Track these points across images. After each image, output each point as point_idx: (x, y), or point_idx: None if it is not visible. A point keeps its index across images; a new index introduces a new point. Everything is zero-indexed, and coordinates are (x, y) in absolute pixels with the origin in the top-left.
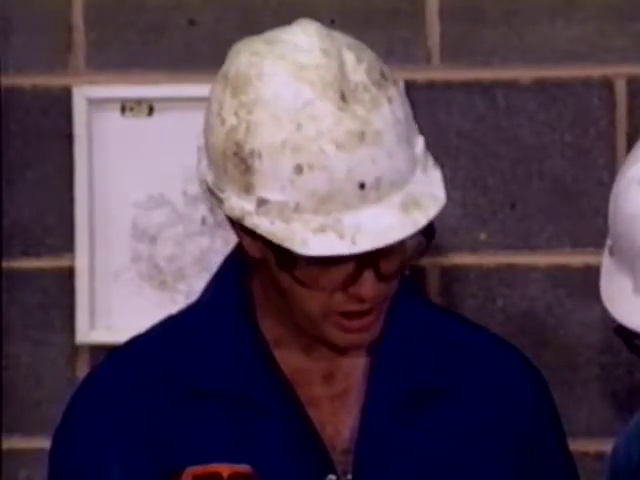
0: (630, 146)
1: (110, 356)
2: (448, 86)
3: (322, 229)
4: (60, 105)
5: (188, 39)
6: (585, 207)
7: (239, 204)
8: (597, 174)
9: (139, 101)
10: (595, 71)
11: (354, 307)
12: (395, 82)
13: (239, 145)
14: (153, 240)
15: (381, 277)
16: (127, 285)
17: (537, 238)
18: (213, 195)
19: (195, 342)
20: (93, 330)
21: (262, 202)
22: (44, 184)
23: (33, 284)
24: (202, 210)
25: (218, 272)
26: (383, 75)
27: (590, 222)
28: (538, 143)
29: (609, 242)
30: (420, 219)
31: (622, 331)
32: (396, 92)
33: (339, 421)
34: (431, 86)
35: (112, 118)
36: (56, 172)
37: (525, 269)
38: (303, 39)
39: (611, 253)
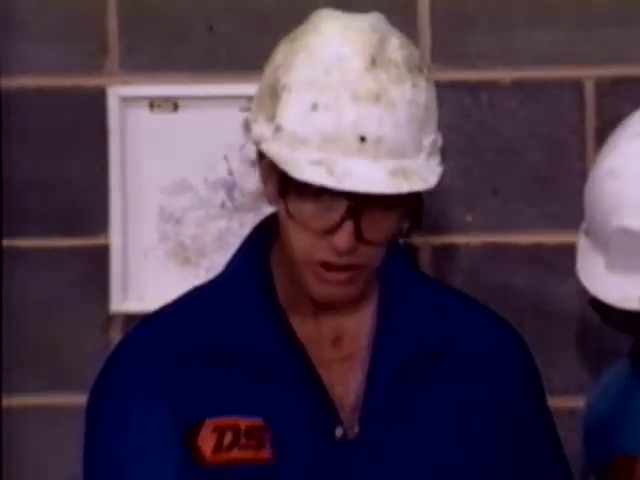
0: (598, 139)
1: (141, 323)
2: (438, 86)
3: (318, 163)
4: (96, 103)
5: (208, 44)
6: (558, 192)
7: (261, 129)
8: (569, 164)
9: (165, 99)
10: (567, 73)
11: (332, 259)
12: (428, 79)
13: (277, 79)
14: (178, 222)
15: (359, 235)
16: (155, 261)
17: (516, 220)
18: (247, 128)
19: (218, 309)
20: (125, 300)
21: (278, 128)
22: (83, 173)
23: (73, 260)
24: (221, 196)
25: (240, 248)
26: (419, 67)
27: (563, 205)
28: (517, 136)
29: (584, 225)
30: (403, 186)
31: (596, 303)
32: (424, 84)
33: (347, 381)
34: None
35: (142, 114)
36: (93, 162)
37: (506, 247)
38: (362, 16)
39: (586, 234)
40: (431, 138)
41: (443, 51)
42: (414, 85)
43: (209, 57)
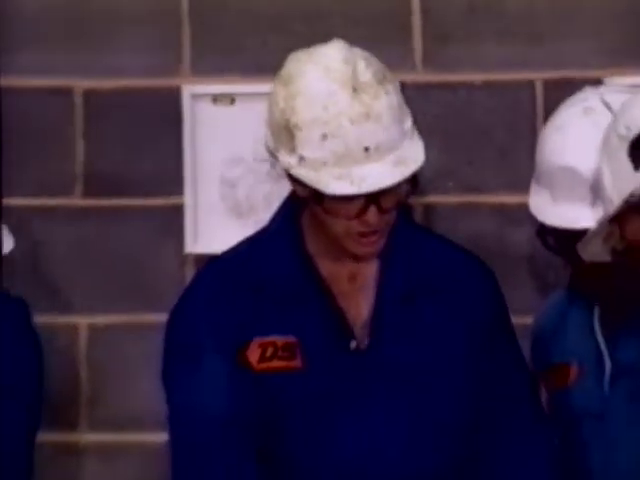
0: (545, 122)
1: (207, 263)
2: (427, 86)
3: (340, 177)
4: (174, 99)
5: (260, 54)
6: (518, 164)
7: (287, 160)
8: (525, 142)
9: (225, 95)
10: (523, 76)
11: (365, 229)
12: (392, 81)
13: (287, 120)
14: (234, 186)
15: (381, 210)
16: (217, 216)
17: (486, 185)
18: (272, 154)
19: (262, 254)
20: (196, 245)
21: (301, 159)
22: (164, 151)
23: (159, 215)
24: (266, 166)
25: (278, 209)
26: (384, 77)
27: (520, 174)
28: (487, 122)
29: (535, 175)
30: (405, 171)
31: (541, 232)
32: (392, 88)
33: (359, 307)
34: (416, 86)
35: (207, 106)
36: (171, 143)
37: (477, 206)
38: (331, 52)
39: (537, 181)
40: (408, 123)
41: (431, 61)
42: (386, 93)
43: (259, 64)
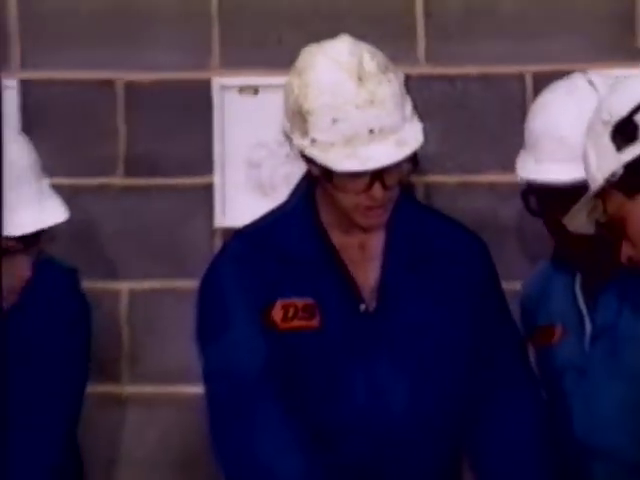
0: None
1: (234, 235)
2: (429, 78)
3: (347, 156)
4: (205, 90)
5: (279, 50)
6: (509, 147)
7: (301, 142)
8: (515, 127)
9: (249, 86)
10: (514, 69)
11: (371, 204)
12: (394, 71)
13: (300, 106)
14: (258, 167)
15: (385, 186)
16: (243, 193)
17: (481, 166)
18: (288, 138)
19: (282, 226)
20: (224, 219)
21: (313, 141)
22: (196, 136)
23: (192, 193)
24: (286, 149)
25: (296, 187)
26: (387, 67)
27: (512, 156)
28: (482, 110)
29: (523, 146)
30: (406, 151)
31: (525, 194)
32: (394, 77)
33: (368, 274)
34: (419, 78)
35: (234, 96)
36: (202, 129)
37: (472, 184)
38: (339, 45)
39: (524, 149)
40: (409, 108)
41: (432, 56)
42: (389, 81)
43: (279, 58)
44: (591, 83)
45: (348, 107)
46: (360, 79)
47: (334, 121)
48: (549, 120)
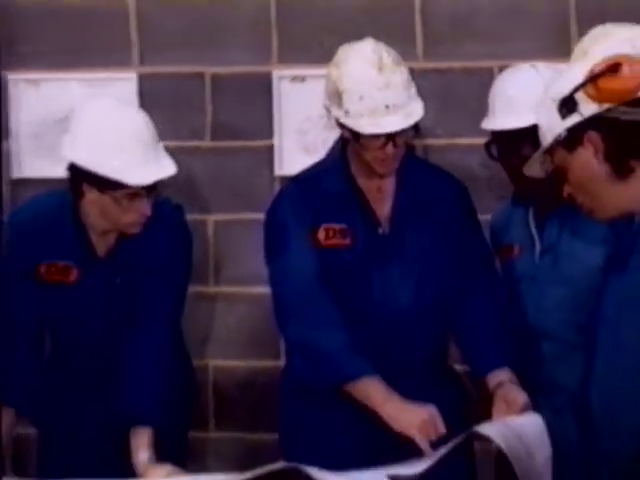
0: None
1: (289, 181)
2: (425, 71)
3: (370, 124)
4: (266, 80)
5: (319, 49)
6: (483, 119)
7: (337, 113)
8: (487, 106)
9: (299, 76)
10: (487, 64)
11: (385, 157)
12: (404, 65)
13: (336, 87)
14: (305, 133)
15: (395, 145)
16: (296, 152)
17: (463, 132)
18: (327, 110)
19: (322, 175)
20: (281, 170)
21: (346, 112)
22: (260, 117)
23: (258, 152)
24: (324, 121)
25: (332, 147)
26: (399, 62)
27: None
28: (463, 93)
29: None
30: (411, 121)
31: (487, 144)
32: (404, 68)
33: (384, 208)
34: (418, 70)
35: (288, 84)
36: (265, 110)
37: (458, 146)
38: (365, 45)
39: (488, 111)
40: (413, 90)
41: (428, 54)
42: (400, 71)
43: (320, 55)
44: (534, 66)
45: (371, 89)
46: (380, 69)
47: (360, 98)
48: (502, 86)
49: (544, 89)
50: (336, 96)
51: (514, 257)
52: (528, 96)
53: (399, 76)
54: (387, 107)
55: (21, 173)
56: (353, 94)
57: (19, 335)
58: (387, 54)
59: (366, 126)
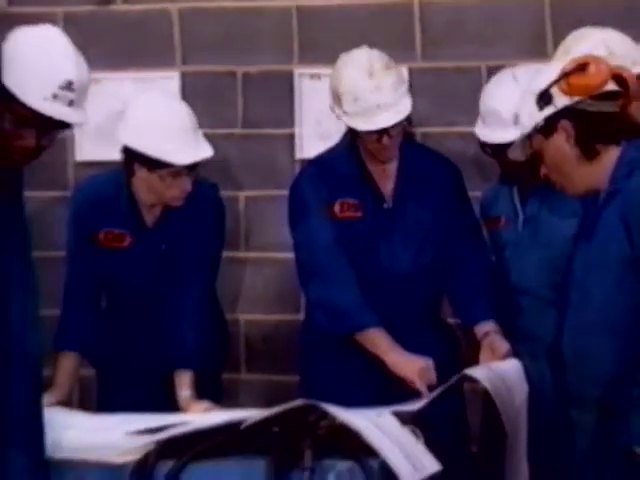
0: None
1: (308, 163)
2: (423, 70)
3: (364, 122)
4: (289, 78)
5: (331, 52)
6: (473, 111)
7: (338, 112)
8: (475, 99)
9: (316, 74)
10: (476, 64)
11: (382, 148)
12: (394, 67)
13: (336, 90)
14: (320, 123)
15: (390, 137)
16: (312, 139)
17: (456, 122)
18: (332, 109)
19: (335, 157)
20: (301, 154)
21: (345, 112)
22: (284, 105)
23: (282, 139)
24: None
25: (343, 135)
26: (389, 66)
27: (474, 116)
28: (457, 89)
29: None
30: (400, 117)
31: (481, 144)
32: (394, 72)
33: (388, 186)
34: (417, 70)
35: (307, 81)
36: (288, 101)
37: (451, 133)
38: (359, 53)
39: (480, 117)
40: (403, 89)
41: (425, 56)
42: (390, 75)
43: (332, 58)
44: (515, 77)
45: (364, 92)
46: (370, 74)
47: (355, 100)
48: (491, 102)
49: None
50: (336, 98)
51: (501, 227)
52: (512, 110)
53: (389, 79)
54: (379, 106)
55: (83, 156)
56: (349, 97)
57: (81, 291)
58: (378, 60)
59: (361, 124)
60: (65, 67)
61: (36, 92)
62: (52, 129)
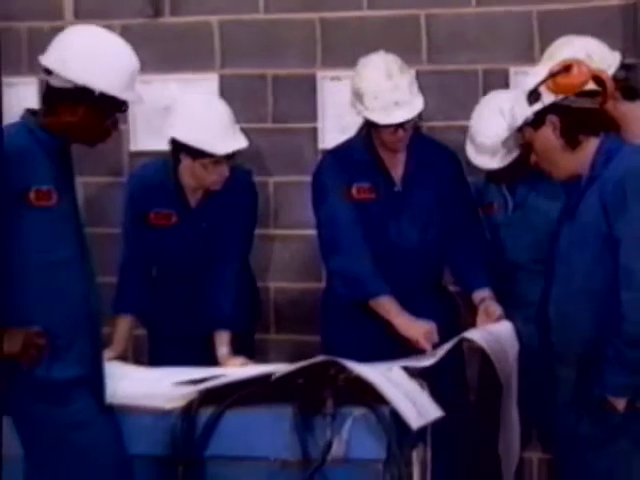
0: (484, 91)
1: (327, 153)
2: (429, 73)
3: (384, 116)
4: (312, 81)
5: (351, 57)
6: (470, 107)
7: (359, 108)
8: (473, 98)
9: (337, 77)
10: (473, 67)
11: (396, 139)
12: (408, 71)
13: (358, 89)
14: (340, 118)
15: (404, 130)
16: (333, 132)
17: (456, 117)
18: (352, 105)
19: (354, 147)
20: (323, 145)
21: (366, 107)
22: (308, 105)
23: (304, 132)
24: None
25: (360, 128)
26: (404, 69)
27: (471, 112)
28: (457, 88)
29: (470, 136)
30: (413, 113)
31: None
32: (408, 74)
33: (398, 172)
34: (423, 72)
35: (328, 83)
36: (312, 100)
37: (452, 127)
38: (377, 57)
39: (470, 139)
40: (415, 88)
41: (431, 60)
42: (405, 77)
43: (351, 62)
44: (502, 112)
45: (383, 91)
46: (388, 76)
47: (375, 98)
48: (478, 130)
49: (517, 89)
50: (358, 96)
51: (494, 212)
52: (499, 143)
53: (404, 80)
54: (396, 103)
55: (136, 147)
56: (370, 95)
57: (134, 263)
58: (395, 63)
59: (382, 118)
60: (131, 59)
61: (118, 84)
62: (117, 112)
